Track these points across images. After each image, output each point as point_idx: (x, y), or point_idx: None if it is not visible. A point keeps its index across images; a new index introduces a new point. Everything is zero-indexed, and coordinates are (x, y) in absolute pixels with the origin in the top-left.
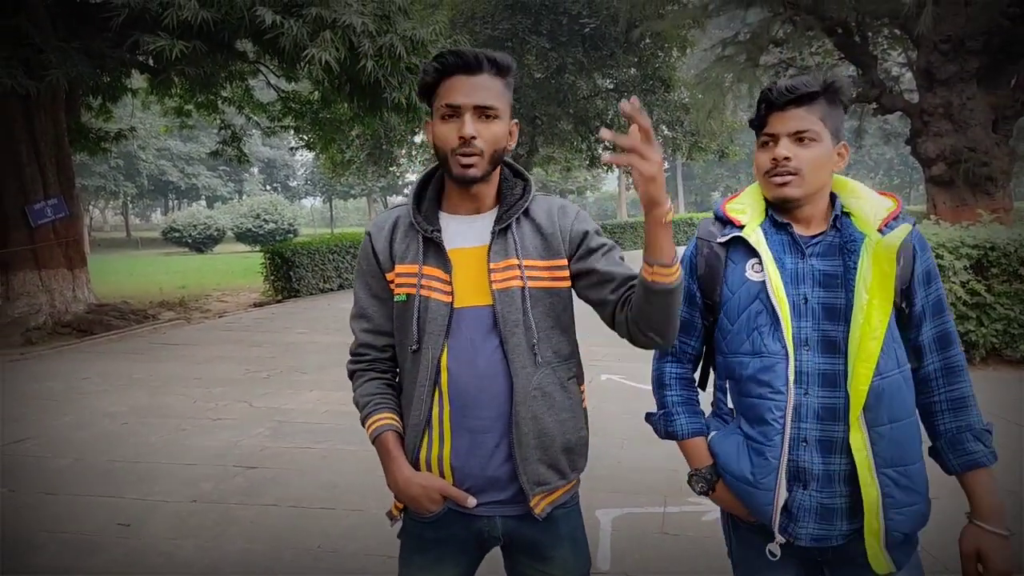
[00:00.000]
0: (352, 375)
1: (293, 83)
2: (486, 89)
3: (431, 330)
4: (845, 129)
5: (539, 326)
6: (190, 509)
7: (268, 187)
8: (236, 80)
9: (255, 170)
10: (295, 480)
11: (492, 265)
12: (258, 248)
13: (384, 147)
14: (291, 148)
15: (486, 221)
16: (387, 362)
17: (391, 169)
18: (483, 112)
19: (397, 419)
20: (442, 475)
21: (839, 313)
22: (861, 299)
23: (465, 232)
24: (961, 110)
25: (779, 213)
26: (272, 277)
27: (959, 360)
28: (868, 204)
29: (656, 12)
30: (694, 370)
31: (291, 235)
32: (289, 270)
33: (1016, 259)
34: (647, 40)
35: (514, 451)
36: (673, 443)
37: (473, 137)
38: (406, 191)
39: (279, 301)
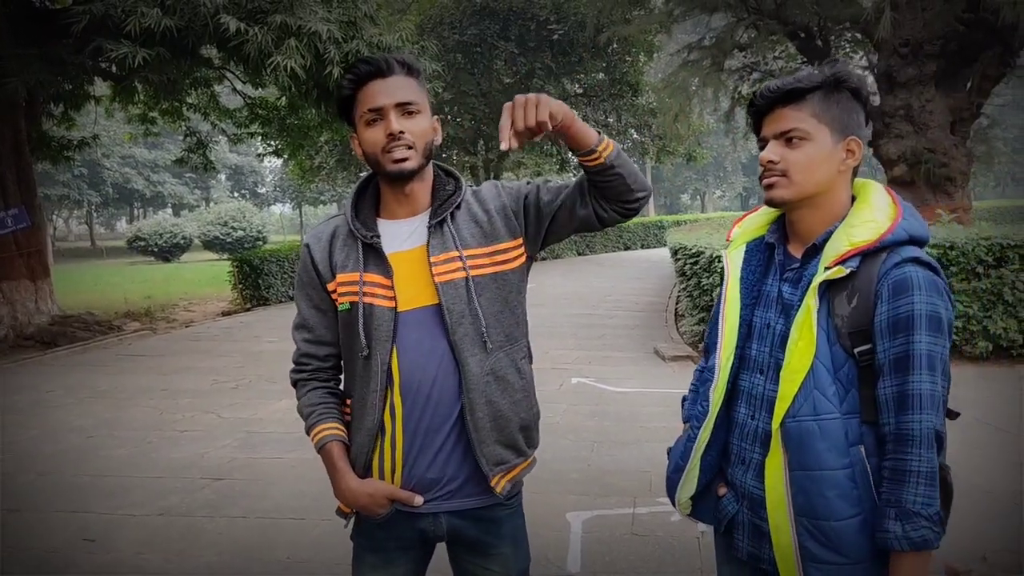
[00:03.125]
0: (295, 384)
1: (259, 89)
2: (402, 88)
3: (378, 336)
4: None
5: (487, 312)
6: (157, 523)
7: (236, 194)
8: (201, 86)
9: (222, 177)
10: (264, 491)
11: (433, 259)
12: (226, 256)
13: (353, 153)
14: (259, 154)
15: (422, 221)
16: (329, 371)
17: (361, 175)
18: (405, 108)
19: (341, 428)
20: (393, 477)
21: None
22: (792, 335)
23: (403, 236)
24: (920, 112)
25: (788, 224)
26: (240, 285)
27: (913, 428)
28: (844, 233)
29: (623, 17)
30: None
31: (260, 242)
32: (258, 278)
33: (974, 258)
34: (614, 45)
35: (471, 437)
36: (641, 446)
37: (401, 132)
38: None
39: (248, 310)
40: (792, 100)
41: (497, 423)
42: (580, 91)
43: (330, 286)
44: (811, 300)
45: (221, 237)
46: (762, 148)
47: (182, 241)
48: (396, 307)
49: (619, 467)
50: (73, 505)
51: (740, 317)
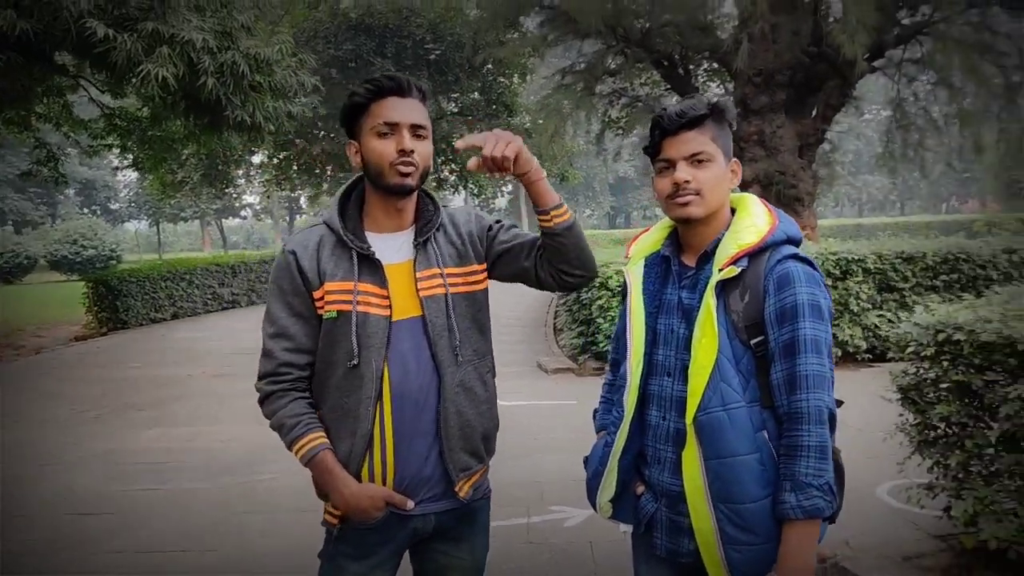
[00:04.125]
0: (269, 396)
1: (119, 99)
2: (417, 111)
3: (370, 344)
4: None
5: (460, 328)
6: (21, 564)
7: (86, 210)
8: (53, 95)
9: (71, 192)
10: (141, 524)
11: (418, 274)
12: (76, 277)
13: (220, 167)
14: (115, 168)
15: (407, 237)
16: (306, 381)
17: (227, 190)
18: (416, 131)
19: (326, 438)
20: (384, 482)
21: (691, 345)
22: (696, 335)
23: (391, 249)
24: (772, 137)
25: (681, 238)
26: (96, 308)
27: (802, 406)
28: (731, 238)
29: (497, 40)
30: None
31: (113, 262)
32: (115, 300)
33: (823, 271)
34: (489, 66)
35: (443, 445)
36: (531, 457)
37: (412, 150)
38: (243, 213)
39: (104, 334)
40: (697, 124)
41: (464, 432)
42: (456, 110)
43: (316, 294)
44: (710, 299)
45: (70, 256)
46: (661, 170)
47: (25, 261)
48: (391, 316)
49: (511, 479)
50: None
51: (645, 325)
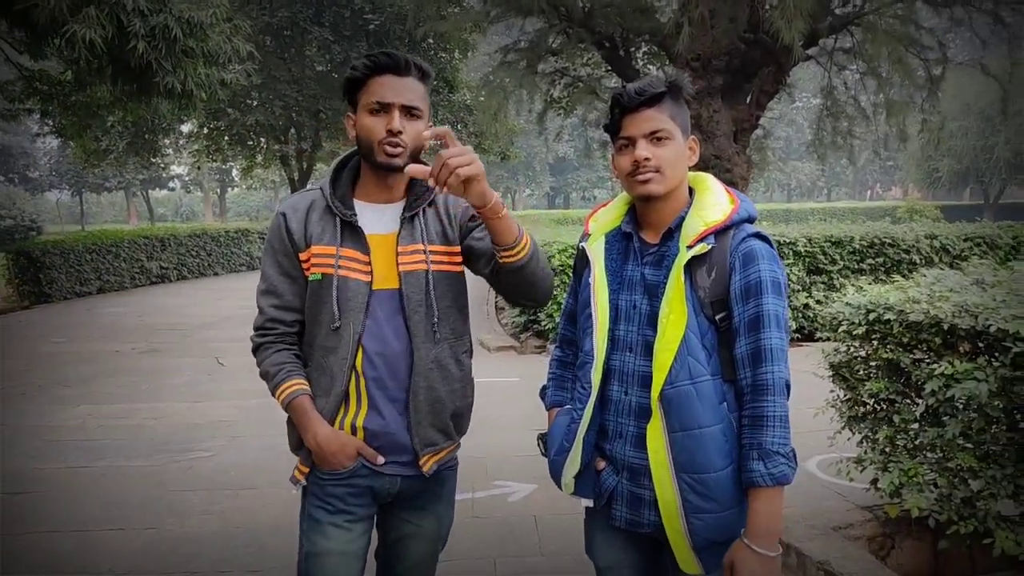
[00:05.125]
0: (258, 347)
1: (38, 61)
2: (413, 91)
3: (350, 308)
4: None
5: (439, 306)
6: None
7: (1, 177)
8: None
9: None
10: (74, 503)
11: (400, 248)
12: None
13: (148, 136)
14: (35, 134)
15: (395, 210)
16: (294, 336)
17: (154, 160)
18: (409, 111)
19: (308, 385)
20: (354, 436)
21: (656, 321)
22: (664, 310)
23: (377, 219)
24: (709, 122)
25: (641, 215)
26: (17, 280)
27: (767, 378)
28: (697, 216)
29: (438, 13)
30: (575, 353)
31: (34, 233)
32: (38, 272)
33: None
34: (430, 40)
35: (410, 416)
36: (474, 434)
37: (400, 131)
38: (171, 184)
39: (26, 307)
40: (656, 102)
41: (434, 407)
42: None
43: (302, 255)
44: (679, 276)
45: None
46: (621, 148)
47: None
48: (372, 283)
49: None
50: None
51: (609, 301)
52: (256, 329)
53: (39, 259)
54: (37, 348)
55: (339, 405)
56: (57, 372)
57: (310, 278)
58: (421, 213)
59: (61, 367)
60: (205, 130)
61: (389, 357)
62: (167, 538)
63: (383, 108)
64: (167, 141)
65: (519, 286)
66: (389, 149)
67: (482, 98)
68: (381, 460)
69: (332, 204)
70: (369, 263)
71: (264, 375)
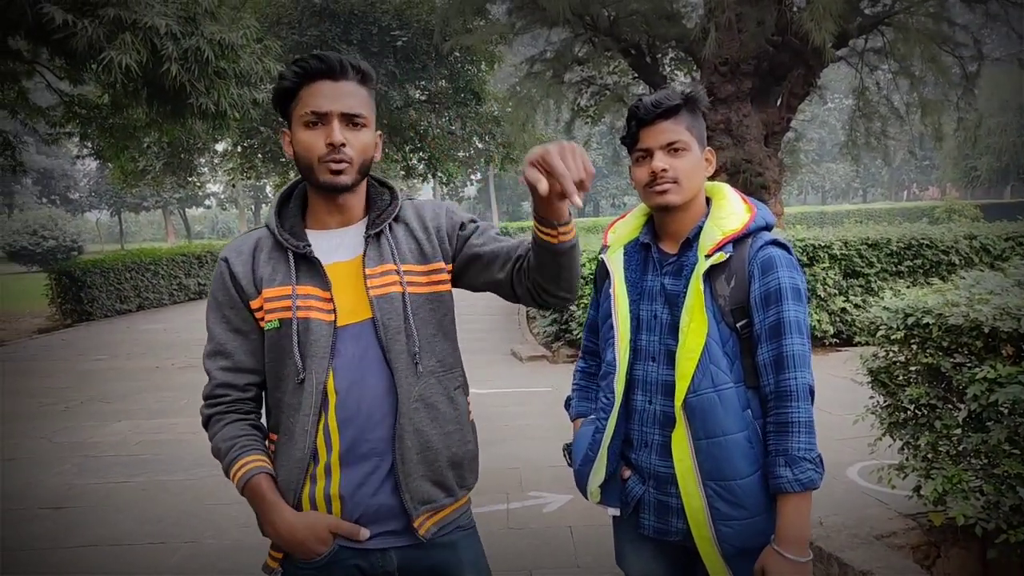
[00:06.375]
0: (209, 420)
1: (77, 86)
2: (352, 96)
3: (313, 353)
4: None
5: (421, 334)
6: None
7: (44, 200)
8: (8, 81)
9: (28, 181)
10: (114, 517)
11: (368, 271)
12: (36, 268)
13: (183, 156)
14: (75, 157)
15: (357, 231)
16: (250, 402)
17: (190, 179)
18: (351, 120)
19: (267, 461)
20: (329, 510)
21: (678, 330)
22: (684, 320)
23: (336, 246)
24: (739, 126)
25: (659, 225)
26: (60, 300)
27: (791, 385)
28: (714, 225)
29: (464, 27)
30: (598, 364)
31: (75, 252)
32: (79, 291)
33: None
34: (457, 53)
35: (396, 468)
36: (508, 444)
37: (343, 144)
38: (207, 202)
39: (69, 326)
40: (672, 114)
41: (425, 456)
42: (424, 97)
43: (254, 304)
44: (698, 285)
45: (29, 247)
46: (639, 159)
47: None
48: (335, 321)
49: (490, 466)
50: None
51: (629, 311)
52: (205, 399)
53: (80, 278)
54: (79, 365)
55: (303, 472)
56: (98, 388)
57: (266, 328)
58: (387, 230)
59: (102, 383)
60: (239, 148)
61: (366, 400)
62: (206, 552)
63: (320, 119)
64: (202, 160)
65: (563, 271)
66: (332, 166)
67: (509, 109)
68: (365, 535)
69: (281, 238)
70: (330, 299)
71: (215, 453)
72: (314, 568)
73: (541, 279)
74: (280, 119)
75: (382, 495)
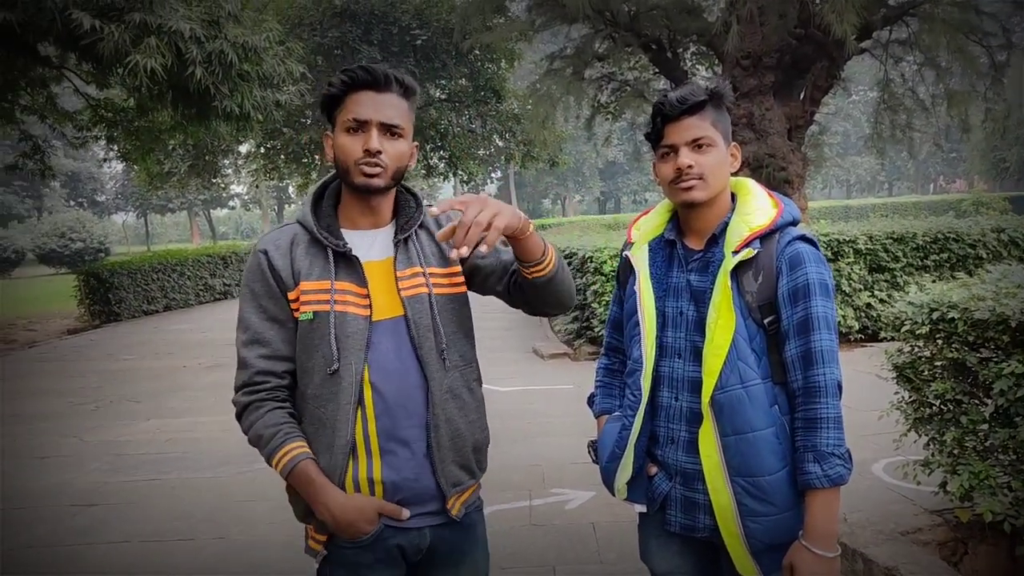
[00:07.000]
0: (247, 407)
1: (104, 90)
2: (393, 107)
3: (350, 346)
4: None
5: (446, 331)
6: (26, 556)
7: (72, 202)
8: (37, 86)
9: (56, 184)
10: (144, 514)
11: (399, 273)
12: (65, 270)
13: (208, 158)
14: (101, 159)
15: (386, 234)
16: (286, 390)
17: (215, 181)
18: (389, 129)
19: (308, 448)
20: (372, 493)
21: (704, 326)
22: (711, 316)
23: (369, 246)
24: (761, 120)
25: (684, 222)
26: (88, 301)
27: (819, 380)
28: (741, 221)
29: (484, 25)
30: (621, 360)
31: (102, 254)
32: (107, 292)
33: None
34: (477, 52)
35: (433, 454)
36: (530, 441)
37: (379, 151)
38: (231, 203)
39: (97, 326)
40: (697, 110)
41: (455, 442)
42: (444, 96)
43: (291, 295)
44: (726, 281)
45: (58, 250)
46: (664, 155)
47: (13, 255)
48: (371, 316)
49: (512, 463)
50: None
51: (655, 308)
52: (242, 387)
53: (108, 280)
54: (108, 365)
55: (346, 460)
56: (127, 388)
57: (300, 318)
58: (414, 235)
59: (130, 383)
60: (262, 150)
61: (400, 394)
62: (235, 547)
63: (360, 126)
64: (226, 162)
65: (547, 298)
66: (367, 169)
67: (530, 106)
68: (407, 514)
69: (320, 235)
70: (367, 295)
71: (255, 440)
72: (359, 547)
73: (534, 300)
74: (302, 119)
75: (421, 479)
